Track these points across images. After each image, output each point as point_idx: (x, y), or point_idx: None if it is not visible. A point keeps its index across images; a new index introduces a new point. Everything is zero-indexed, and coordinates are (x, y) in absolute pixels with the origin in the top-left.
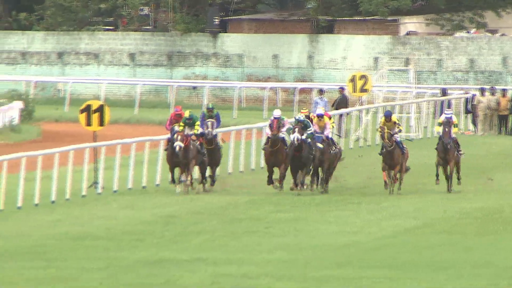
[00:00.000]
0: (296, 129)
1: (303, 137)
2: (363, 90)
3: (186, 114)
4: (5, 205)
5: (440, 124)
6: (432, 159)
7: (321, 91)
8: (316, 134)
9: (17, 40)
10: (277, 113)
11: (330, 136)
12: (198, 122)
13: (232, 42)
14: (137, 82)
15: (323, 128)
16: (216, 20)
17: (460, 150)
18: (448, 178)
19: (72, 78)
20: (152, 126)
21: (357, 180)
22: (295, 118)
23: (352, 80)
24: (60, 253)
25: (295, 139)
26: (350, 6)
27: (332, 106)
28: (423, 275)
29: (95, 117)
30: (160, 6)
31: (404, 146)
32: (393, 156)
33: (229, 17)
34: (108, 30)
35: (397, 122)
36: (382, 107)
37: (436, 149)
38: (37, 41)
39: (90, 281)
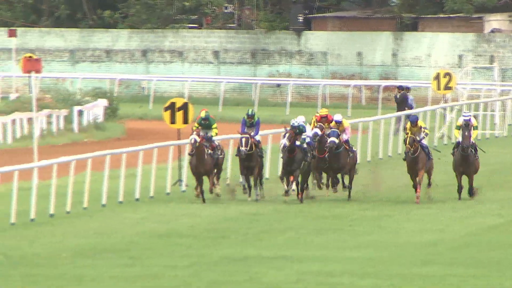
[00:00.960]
0: (287, 135)
1: (298, 143)
2: (447, 87)
3: (202, 114)
4: (90, 203)
5: (458, 128)
6: None
7: (406, 89)
8: (332, 129)
9: (101, 38)
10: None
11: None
12: (215, 125)
13: (316, 39)
14: (221, 80)
15: (342, 132)
16: (300, 18)
17: (477, 157)
18: (468, 186)
19: (156, 76)
20: (236, 124)
21: (442, 178)
22: (291, 124)
23: (436, 77)
24: (144, 250)
25: (282, 146)
26: (435, 4)
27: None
28: (509, 273)
29: (179, 115)
30: (244, 4)
31: (431, 153)
32: (417, 161)
33: (313, 15)
34: (192, 28)
35: (423, 127)
36: (466, 104)
37: (452, 154)
38: (121, 39)
39: (175, 279)
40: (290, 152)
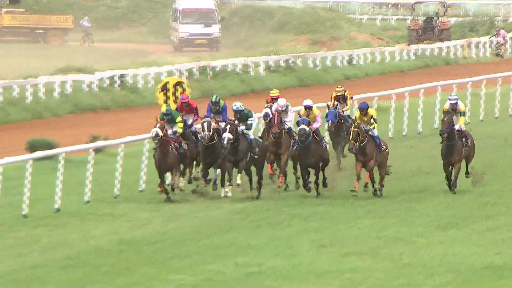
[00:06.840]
0: (228, 127)
1: (242, 127)
2: None
3: (163, 109)
4: None
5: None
6: None
7: None
8: (301, 117)
9: None
10: (281, 102)
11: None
12: (179, 118)
13: None
14: None
15: (312, 120)
16: None
17: (468, 144)
18: (455, 176)
19: None
20: None
21: None
22: (232, 107)
23: None
24: None
25: (225, 141)
26: None
27: None
28: None
29: None
30: None
31: (383, 144)
32: (364, 151)
33: None
34: None
35: (374, 116)
36: None
37: (441, 143)
38: None
39: None
40: (232, 143)
